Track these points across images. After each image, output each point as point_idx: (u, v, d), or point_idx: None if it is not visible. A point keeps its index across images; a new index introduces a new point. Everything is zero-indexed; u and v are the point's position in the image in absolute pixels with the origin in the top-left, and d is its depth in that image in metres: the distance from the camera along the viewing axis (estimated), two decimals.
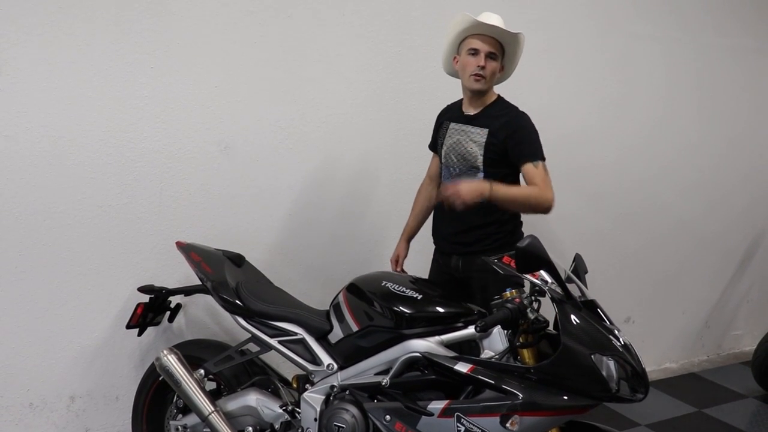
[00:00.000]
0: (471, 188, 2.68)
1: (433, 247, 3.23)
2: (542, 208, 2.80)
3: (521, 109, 2.99)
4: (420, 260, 3.34)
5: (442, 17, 3.70)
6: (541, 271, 2.31)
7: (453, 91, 3.48)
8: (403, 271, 3.31)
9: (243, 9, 3.27)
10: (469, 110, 3.02)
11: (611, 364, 2.19)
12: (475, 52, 2.89)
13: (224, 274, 2.93)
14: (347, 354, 2.67)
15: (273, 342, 2.81)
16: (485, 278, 2.88)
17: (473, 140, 2.95)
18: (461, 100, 3.10)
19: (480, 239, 2.97)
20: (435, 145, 3.21)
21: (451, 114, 3.12)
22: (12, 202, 2.95)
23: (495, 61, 2.91)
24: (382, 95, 3.66)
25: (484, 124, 2.95)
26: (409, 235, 3.36)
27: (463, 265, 3.03)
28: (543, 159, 2.90)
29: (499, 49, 2.91)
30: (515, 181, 2.99)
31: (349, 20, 3.51)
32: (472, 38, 2.90)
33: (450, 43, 2.99)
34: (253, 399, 2.82)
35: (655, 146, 4.64)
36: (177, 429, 2.93)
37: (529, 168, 2.86)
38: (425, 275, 3.18)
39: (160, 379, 2.94)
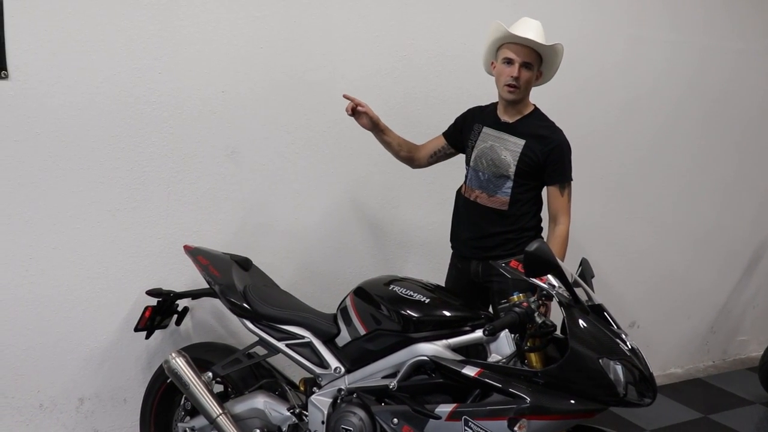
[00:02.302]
0: None
1: (449, 254, 3.25)
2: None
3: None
4: (436, 266, 3.35)
5: (448, 22, 3.73)
6: (549, 276, 2.32)
7: (460, 95, 3.51)
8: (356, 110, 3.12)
9: (249, 14, 3.28)
10: (506, 117, 3.01)
11: (619, 368, 2.19)
12: (509, 62, 2.89)
13: (232, 278, 2.94)
14: (354, 357, 2.68)
15: (280, 345, 2.82)
16: (505, 283, 2.87)
17: (508, 149, 2.95)
18: (495, 104, 3.09)
19: (501, 244, 2.99)
20: (451, 132, 3.21)
21: (485, 117, 3.09)
22: (22, 206, 2.97)
23: (530, 71, 2.90)
24: (388, 100, 3.67)
25: (521, 135, 2.95)
26: (379, 124, 3.19)
27: (483, 270, 3.04)
28: (570, 179, 2.97)
29: (535, 58, 2.89)
30: (541, 193, 3.05)
31: (354, 25, 3.53)
32: (508, 47, 2.89)
33: (487, 48, 3.00)
34: (260, 402, 2.83)
35: (660, 150, 4.64)
36: (185, 431, 2.94)
37: (555, 194, 2.97)
38: (440, 281, 3.17)
39: (168, 381, 2.95)
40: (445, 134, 3.25)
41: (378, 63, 3.62)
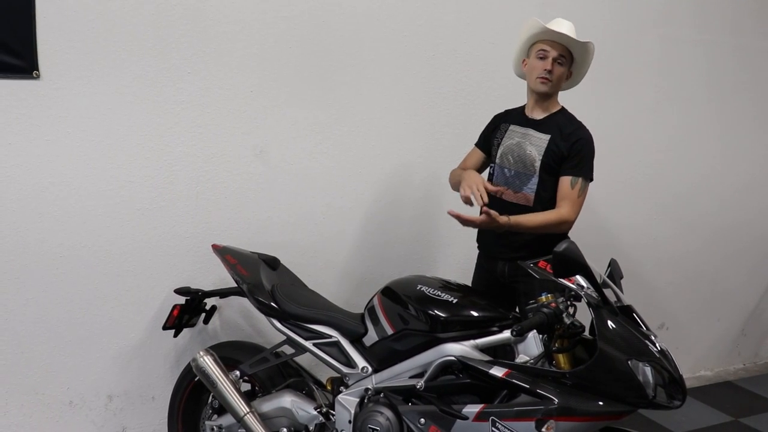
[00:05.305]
0: (491, 226, 2.72)
1: (476, 253, 3.23)
2: (559, 230, 2.88)
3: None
4: (463, 266, 3.33)
5: (476, 22, 3.72)
6: (577, 276, 2.31)
7: (487, 96, 3.49)
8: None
9: (278, 15, 3.30)
10: (534, 114, 3.01)
11: (648, 370, 2.18)
12: (543, 56, 2.90)
13: (260, 277, 2.96)
14: (382, 357, 2.68)
15: (308, 344, 2.83)
16: (531, 283, 2.84)
17: (534, 144, 2.95)
18: (523, 106, 3.09)
19: (527, 244, 2.95)
20: (484, 143, 3.17)
21: (512, 117, 3.10)
22: (53, 204, 3.01)
23: (562, 66, 2.92)
24: (416, 99, 3.67)
25: (547, 131, 2.95)
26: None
27: (510, 270, 3.02)
28: (587, 179, 2.92)
29: (567, 55, 2.93)
30: None
31: (383, 25, 3.53)
32: (542, 43, 2.91)
33: (520, 46, 3.01)
34: (287, 401, 2.84)
35: (691, 152, 4.59)
36: (212, 429, 2.96)
37: (565, 183, 2.91)
38: (467, 281, 3.17)
39: (196, 379, 2.97)
40: (479, 146, 3.22)
41: (406, 63, 3.62)
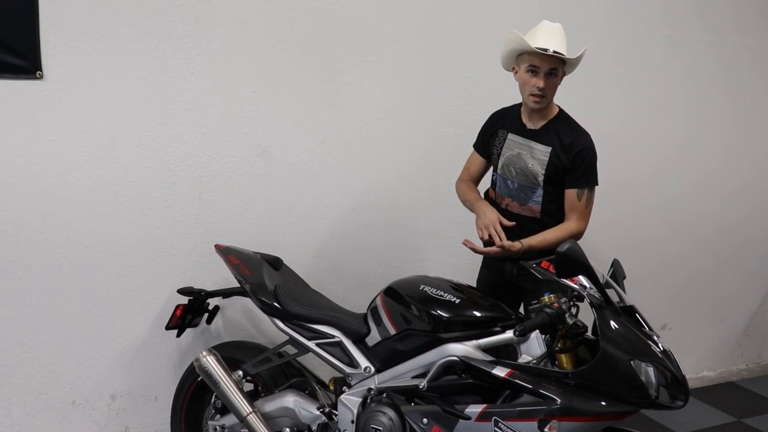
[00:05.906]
0: (506, 255, 2.82)
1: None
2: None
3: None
4: (466, 266, 3.33)
5: (479, 22, 3.72)
6: (580, 276, 2.31)
7: (490, 96, 3.48)
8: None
9: (281, 15, 3.30)
10: (531, 124, 2.94)
11: (650, 370, 2.18)
12: (534, 71, 2.79)
13: (262, 277, 2.96)
14: (384, 357, 2.68)
15: (310, 344, 2.83)
16: (539, 283, 2.82)
17: (535, 157, 2.90)
18: (519, 106, 3.02)
19: None
20: (483, 147, 3.14)
21: (509, 122, 3.02)
22: (56, 204, 3.01)
23: (556, 77, 2.81)
24: (419, 100, 3.67)
25: (547, 142, 2.89)
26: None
27: (518, 270, 2.98)
28: (593, 186, 2.90)
29: (559, 63, 2.79)
30: None
31: (385, 25, 3.53)
32: (530, 56, 2.78)
33: (505, 56, 2.90)
34: (290, 400, 2.85)
35: (694, 152, 4.58)
36: (215, 429, 2.96)
37: (571, 195, 2.89)
38: (471, 281, 3.15)
39: (199, 379, 2.97)
40: (477, 149, 3.19)
41: (409, 63, 3.62)
